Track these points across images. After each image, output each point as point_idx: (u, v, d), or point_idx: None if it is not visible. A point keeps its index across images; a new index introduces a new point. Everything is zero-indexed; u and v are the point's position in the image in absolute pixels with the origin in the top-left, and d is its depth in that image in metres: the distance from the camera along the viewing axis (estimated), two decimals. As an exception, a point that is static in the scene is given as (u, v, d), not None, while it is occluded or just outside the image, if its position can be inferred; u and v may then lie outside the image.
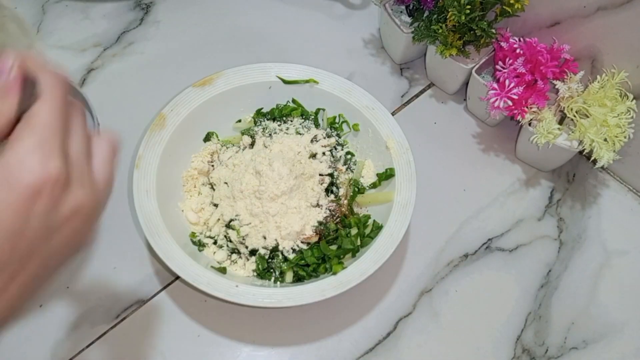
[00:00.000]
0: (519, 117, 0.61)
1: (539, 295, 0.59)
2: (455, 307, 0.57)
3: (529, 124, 0.61)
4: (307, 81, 0.62)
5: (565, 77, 0.62)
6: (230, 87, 0.61)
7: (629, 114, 0.58)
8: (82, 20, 0.74)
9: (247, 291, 0.50)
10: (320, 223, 0.55)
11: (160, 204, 0.54)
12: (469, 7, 0.60)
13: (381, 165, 0.59)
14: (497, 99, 0.60)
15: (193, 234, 0.57)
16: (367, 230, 0.56)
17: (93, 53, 0.71)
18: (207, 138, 0.62)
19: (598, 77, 0.61)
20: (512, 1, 0.61)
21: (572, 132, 0.60)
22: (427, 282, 0.59)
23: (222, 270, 0.54)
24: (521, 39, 0.63)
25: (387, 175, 0.59)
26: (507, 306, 0.58)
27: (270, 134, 0.60)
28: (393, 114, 0.69)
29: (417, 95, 0.71)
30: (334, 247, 0.55)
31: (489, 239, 0.62)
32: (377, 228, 0.56)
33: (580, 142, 0.60)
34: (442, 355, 0.55)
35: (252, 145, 0.60)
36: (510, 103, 0.60)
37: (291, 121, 0.61)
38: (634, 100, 0.59)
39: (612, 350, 0.56)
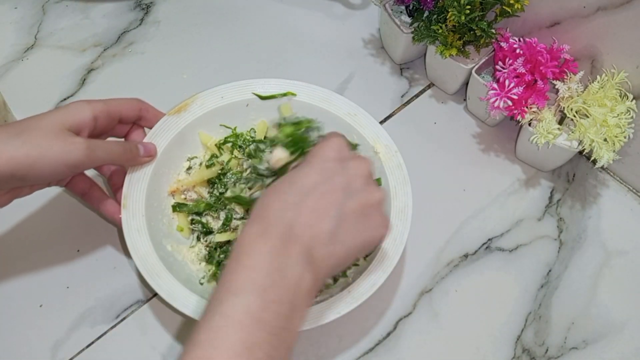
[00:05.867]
0: (518, 117, 0.61)
1: (539, 295, 0.59)
2: (455, 307, 0.57)
3: (529, 124, 0.62)
4: (284, 94, 0.61)
5: (565, 77, 0.62)
6: (207, 111, 0.59)
7: (629, 114, 0.58)
8: (82, 20, 0.74)
9: None
10: None
11: (155, 242, 0.52)
12: (468, 7, 0.60)
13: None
14: (497, 99, 0.61)
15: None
16: None
17: (93, 53, 0.71)
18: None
19: (598, 77, 0.61)
20: (512, 1, 0.61)
21: (572, 132, 0.60)
22: (427, 282, 0.59)
23: None
24: (521, 39, 0.63)
25: None
26: (507, 306, 0.58)
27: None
28: (393, 114, 0.69)
29: (417, 95, 0.71)
30: None
31: (489, 239, 0.62)
32: None
33: (580, 142, 0.60)
34: (442, 355, 0.55)
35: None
36: (510, 103, 0.60)
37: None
38: (634, 101, 0.59)
39: (612, 350, 0.56)
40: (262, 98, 0.61)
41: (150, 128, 0.56)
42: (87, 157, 0.46)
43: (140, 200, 0.53)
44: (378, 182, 0.58)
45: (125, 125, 0.55)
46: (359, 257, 0.54)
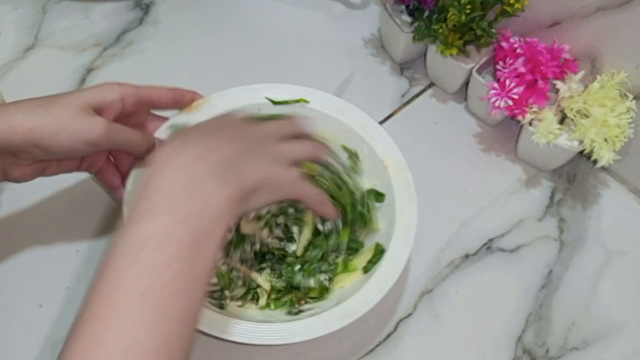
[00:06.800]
0: (519, 117, 0.61)
1: (540, 295, 0.59)
2: (455, 308, 0.57)
3: (530, 124, 0.61)
4: (297, 101, 0.60)
5: (566, 77, 0.62)
6: (218, 112, 0.57)
7: (629, 114, 0.58)
8: (82, 20, 0.74)
9: (249, 329, 0.48)
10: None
11: None
12: (469, 7, 0.60)
13: (379, 184, 0.57)
14: (497, 99, 0.60)
15: None
16: (369, 255, 0.55)
17: (93, 53, 0.71)
18: None
19: (598, 77, 0.61)
20: (512, 1, 0.61)
21: (573, 132, 0.60)
22: (427, 283, 0.58)
23: (220, 307, 0.52)
24: (521, 39, 0.63)
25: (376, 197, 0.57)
26: (508, 307, 0.58)
27: None
28: (393, 114, 0.69)
29: (417, 95, 0.71)
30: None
31: (490, 240, 0.62)
32: (380, 252, 0.54)
33: (581, 142, 0.59)
34: (443, 356, 0.55)
35: None
36: (510, 103, 0.60)
37: None
38: (634, 100, 0.59)
39: (613, 350, 0.56)
40: (275, 103, 0.60)
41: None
42: (105, 137, 0.47)
43: None
44: (381, 198, 0.57)
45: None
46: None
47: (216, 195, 0.39)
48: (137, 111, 0.53)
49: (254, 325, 0.48)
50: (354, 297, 0.50)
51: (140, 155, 0.54)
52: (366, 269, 0.54)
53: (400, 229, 0.54)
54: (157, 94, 0.54)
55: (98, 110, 0.48)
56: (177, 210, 0.37)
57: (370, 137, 0.58)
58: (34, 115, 0.45)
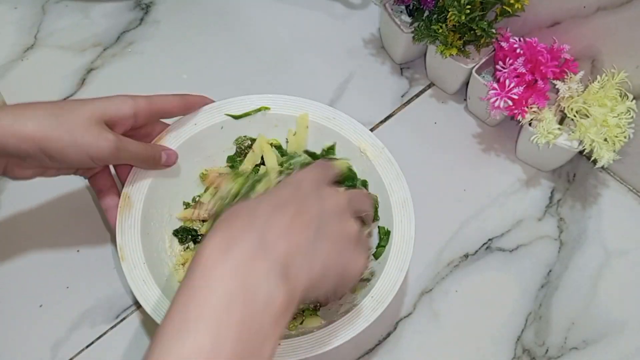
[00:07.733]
0: (519, 117, 0.61)
1: (539, 295, 0.59)
2: (455, 307, 0.57)
3: (529, 124, 0.61)
4: (258, 110, 0.59)
5: (566, 77, 0.62)
6: (182, 141, 0.56)
7: (629, 114, 0.58)
8: (82, 20, 0.74)
9: (289, 347, 0.47)
10: None
11: (162, 287, 0.50)
12: (469, 7, 0.60)
13: (361, 170, 0.57)
14: (497, 99, 0.60)
15: None
16: (376, 241, 0.55)
17: (93, 53, 0.71)
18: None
19: (598, 77, 0.61)
20: (512, 1, 0.61)
21: (573, 132, 0.60)
22: (427, 282, 0.59)
23: None
24: (521, 39, 0.63)
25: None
26: (508, 306, 0.58)
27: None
28: (393, 114, 0.69)
29: (417, 95, 0.71)
30: None
31: (490, 239, 0.62)
32: (385, 234, 0.54)
33: (581, 142, 0.60)
34: (442, 356, 0.55)
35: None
36: (510, 103, 0.60)
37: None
38: (634, 100, 0.59)
39: (612, 350, 0.56)
40: (236, 117, 0.59)
41: None
42: (112, 155, 0.47)
43: (137, 248, 0.51)
44: (364, 184, 0.57)
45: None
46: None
47: (278, 297, 0.35)
48: (149, 122, 0.53)
49: (294, 341, 0.47)
50: (378, 283, 0.50)
51: (143, 168, 0.54)
52: (377, 255, 0.54)
53: (397, 206, 0.54)
54: (168, 103, 0.54)
55: (110, 124, 0.48)
56: (224, 327, 0.33)
57: (340, 128, 0.58)
58: (46, 124, 0.45)
